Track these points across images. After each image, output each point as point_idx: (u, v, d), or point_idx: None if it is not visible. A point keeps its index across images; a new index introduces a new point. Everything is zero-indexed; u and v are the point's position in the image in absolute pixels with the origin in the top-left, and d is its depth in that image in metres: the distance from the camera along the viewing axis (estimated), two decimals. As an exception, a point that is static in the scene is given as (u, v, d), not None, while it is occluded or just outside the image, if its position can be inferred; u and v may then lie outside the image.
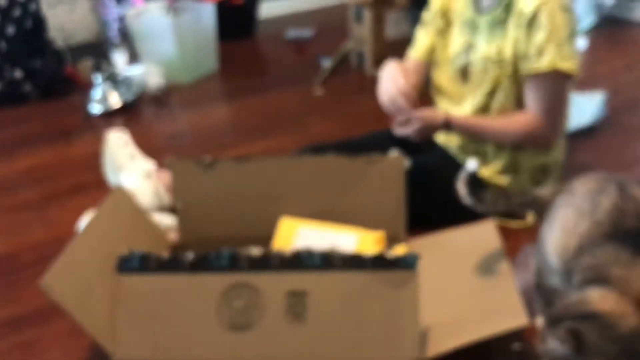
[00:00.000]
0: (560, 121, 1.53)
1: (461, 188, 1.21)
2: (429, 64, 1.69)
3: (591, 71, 2.67)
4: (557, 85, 1.47)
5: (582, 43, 2.90)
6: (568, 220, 1.01)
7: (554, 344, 0.89)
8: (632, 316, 0.87)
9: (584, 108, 2.10)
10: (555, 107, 1.49)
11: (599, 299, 0.91)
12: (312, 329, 1.01)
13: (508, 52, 1.48)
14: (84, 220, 1.62)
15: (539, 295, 1.01)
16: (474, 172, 1.21)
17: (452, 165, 1.62)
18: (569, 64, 1.42)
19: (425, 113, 1.56)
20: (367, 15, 2.67)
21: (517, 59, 1.47)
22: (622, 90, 2.41)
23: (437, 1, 1.65)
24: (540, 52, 1.42)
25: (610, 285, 0.92)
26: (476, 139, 1.58)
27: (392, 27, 2.67)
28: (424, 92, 1.70)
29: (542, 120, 1.48)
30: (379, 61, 2.73)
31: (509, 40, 1.47)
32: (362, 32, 2.76)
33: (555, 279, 1.05)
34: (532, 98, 1.48)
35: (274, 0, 3.86)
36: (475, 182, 1.21)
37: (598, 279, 0.94)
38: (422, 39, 1.69)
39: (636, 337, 0.87)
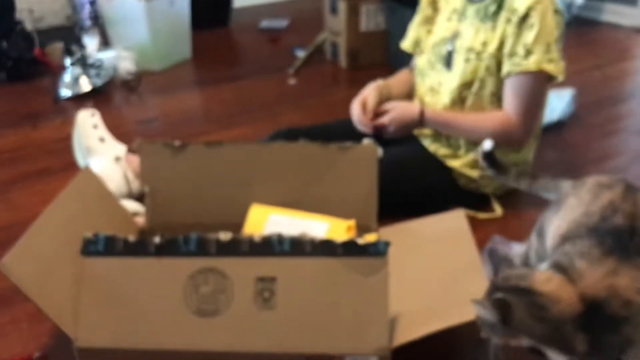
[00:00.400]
0: (535, 122, 1.54)
1: (481, 161, 1.29)
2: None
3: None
4: (538, 86, 1.47)
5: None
6: (568, 208, 1.01)
7: (483, 312, 0.90)
8: (569, 305, 0.88)
9: (554, 105, 2.13)
10: (533, 108, 1.50)
11: (543, 279, 0.92)
12: (280, 315, 1.00)
13: (493, 45, 1.48)
14: None
15: (489, 261, 1.01)
16: (489, 150, 1.26)
17: (423, 156, 1.63)
18: (553, 66, 1.43)
19: (400, 104, 1.57)
20: (342, 6, 2.66)
21: (500, 55, 1.47)
22: (590, 88, 2.46)
23: None
24: (528, 52, 1.42)
25: (569, 274, 0.92)
26: (450, 134, 1.59)
27: (367, 19, 2.67)
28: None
29: (518, 119, 1.48)
30: (353, 52, 2.74)
31: (497, 35, 1.47)
32: (337, 23, 2.75)
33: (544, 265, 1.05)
34: (511, 97, 1.48)
35: (249, -11, 3.83)
36: (494, 157, 1.28)
37: (564, 266, 0.95)
38: (411, 32, 1.71)
39: (565, 324, 0.88)
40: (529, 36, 1.42)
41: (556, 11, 1.44)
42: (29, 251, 1.03)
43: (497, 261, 1.01)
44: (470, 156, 1.58)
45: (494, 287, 0.94)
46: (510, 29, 1.44)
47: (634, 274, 0.88)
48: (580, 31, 3.25)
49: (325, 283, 1.02)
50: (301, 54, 2.90)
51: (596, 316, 0.88)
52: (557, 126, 2.10)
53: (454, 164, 1.59)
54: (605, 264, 0.90)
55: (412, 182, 1.57)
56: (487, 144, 1.27)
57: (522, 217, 1.62)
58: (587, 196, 1.01)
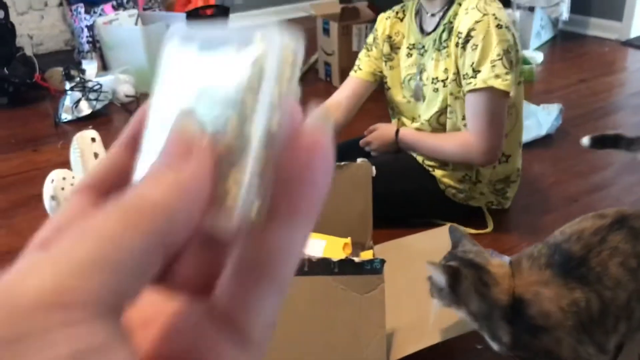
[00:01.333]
0: (496, 139, 1.51)
1: (591, 147, 1.27)
2: (372, 83, 1.73)
3: (547, 84, 2.78)
4: (491, 103, 1.46)
5: (539, 56, 3.02)
6: (584, 219, 1.06)
7: (436, 275, 1.00)
8: (502, 292, 0.98)
9: (542, 120, 2.19)
10: (490, 125, 1.48)
11: (497, 264, 1.02)
12: (279, 333, 1.04)
13: (451, 71, 1.52)
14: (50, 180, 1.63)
15: (451, 237, 1.10)
16: (591, 141, 1.24)
17: (411, 164, 1.68)
18: (500, 82, 1.42)
19: (382, 125, 1.64)
20: (334, 27, 2.73)
21: (459, 78, 1.52)
22: (577, 102, 2.52)
23: (381, 27, 1.69)
24: (475, 71, 1.45)
25: (513, 268, 1.02)
26: (421, 154, 1.64)
27: (359, 40, 2.74)
28: (360, 108, 1.76)
29: (476, 138, 1.49)
30: (345, 72, 2.80)
31: (452, 60, 1.51)
32: (329, 44, 2.82)
33: None
34: (468, 116, 1.51)
35: (242, 10, 3.91)
36: (601, 140, 1.27)
37: (515, 259, 1.05)
38: (365, 63, 1.72)
39: (495, 309, 0.98)
40: (474, 56, 1.44)
41: (500, 26, 1.43)
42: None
43: (458, 237, 1.10)
44: (457, 173, 1.64)
45: (452, 257, 1.04)
46: (459, 51, 1.48)
47: (561, 292, 0.96)
48: (567, 46, 3.33)
49: (323, 301, 1.06)
50: (295, 73, 2.96)
51: (519, 314, 0.97)
52: (545, 140, 2.15)
53: (438, 173, 1.65)
54: (542, 273, 0.99)
55: (397, 183, 1.62)
56: (585, 141, 1.26)
57: (513, 232, 1.67)
58: (579, 218, 1.07)
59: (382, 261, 1.06)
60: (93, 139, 1.79)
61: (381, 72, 1.71)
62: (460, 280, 0.98)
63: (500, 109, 1.49)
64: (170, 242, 0.16)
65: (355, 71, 1.74)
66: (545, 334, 0.96)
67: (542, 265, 0.99)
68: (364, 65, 1.73)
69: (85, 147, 1.77)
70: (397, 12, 1.68)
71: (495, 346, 1.03)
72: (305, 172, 0.17)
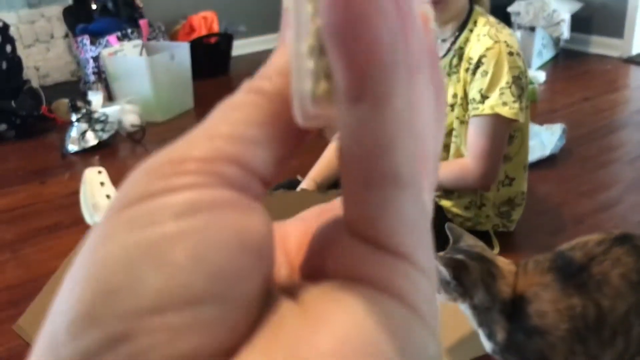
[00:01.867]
0: (494, 166, 1.51)
1: None
2: None
3: (551, 103, 2.78)
4: (494, 129, 1.47)
5: (541, 76, 3.03)
6: (589, 235, 1.10)
7: (440, 268, 1.02)
8: (507, 285, 1.02)
9: (545, 140, 2.18)
10: (490, 151, 1.49)
11: (505, 260, 1.06)
12: None
13: (460, 96, 1.53)
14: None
15: (450, 234, 1.13)
16: None
17: None
18: (507, 109, 1.43)
19: None
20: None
21: (465, 102, 1.53)
22: (580, 120, 2.51)
23: None
24: (483, 97, 1.45)
25: (519, 268, 1.06)
26: None
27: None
28: None
29: (474, 162, 1.50)
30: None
31: (461, 85, 1.52)
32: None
33: None
34: (470, 139, 1.51)
35: (246, 37, 3.96)
36: None
37: (523, 261, 1.08)
38: None
39: (496, 302, 1.00)
40: (484, 82, 1.45)
41: (511, 53, 1.45)
42: (43, 311, 1.07)
43: (458, 233, 1.12)
44: (463, 200, 1.63)
45: (456, 251, 1.06)
46: (469, 77, 1.49)
47: (559, 296, 0.99)
48: (569, 64, 3.34)
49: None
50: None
51: (518, 311, 1.00)
52: (550, 160, 2.15)
53: (447, 203, 1.64)
54: (544, 276, 1.03)
55: None
56: None
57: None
58: (585, 235, 1.11)
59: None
60: (99, 172, 1.81)
61: None
62: (466, 271, 1.01)
63: (503, 136, 1.49)
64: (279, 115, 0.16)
65: None
66: (540, 337, 0.98)
67: (545, 269, 1.03)
68: None
69: (93, 179, 1.79)
70: None
71: (488, 347, 1.03)
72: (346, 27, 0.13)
